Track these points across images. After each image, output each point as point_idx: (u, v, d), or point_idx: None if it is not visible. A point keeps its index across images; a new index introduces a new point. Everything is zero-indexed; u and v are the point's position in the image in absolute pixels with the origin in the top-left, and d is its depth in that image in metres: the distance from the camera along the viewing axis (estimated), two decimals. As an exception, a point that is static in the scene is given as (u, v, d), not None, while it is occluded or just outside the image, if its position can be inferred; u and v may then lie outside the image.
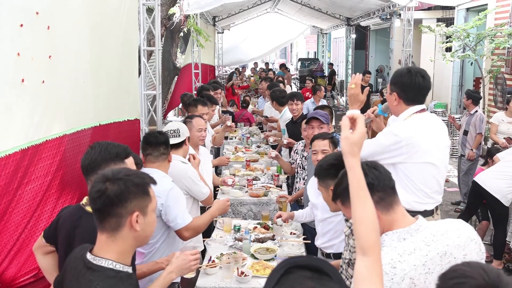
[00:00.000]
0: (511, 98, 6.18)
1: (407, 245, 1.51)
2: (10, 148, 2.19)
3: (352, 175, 1.39)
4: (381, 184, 1.58)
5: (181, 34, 9.16)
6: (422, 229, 1.55)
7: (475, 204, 4.82)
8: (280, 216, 3.32)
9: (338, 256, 2.76)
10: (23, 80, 2.28)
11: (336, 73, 18.43)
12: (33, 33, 2.37)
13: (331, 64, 18.84)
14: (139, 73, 4.92)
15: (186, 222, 2.56)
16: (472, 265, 1.12)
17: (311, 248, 3.28)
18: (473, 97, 6.15)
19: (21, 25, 2.25)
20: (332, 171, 2.23)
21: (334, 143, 3.14)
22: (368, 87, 8.96)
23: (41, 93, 2.47)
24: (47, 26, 2.51)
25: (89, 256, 1.52)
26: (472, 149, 5.92)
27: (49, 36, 2.53)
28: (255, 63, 19.18)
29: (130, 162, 2.08)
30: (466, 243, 1.56)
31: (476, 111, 6.01)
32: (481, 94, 7.53)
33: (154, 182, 1.61)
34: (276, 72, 15.15)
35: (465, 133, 6.03)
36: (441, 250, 1.50)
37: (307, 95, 8.64)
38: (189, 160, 3.29)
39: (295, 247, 3.24)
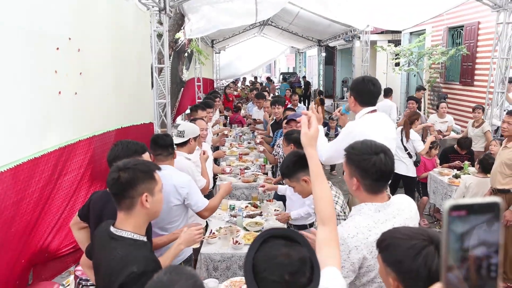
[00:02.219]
0: (440, 103, 6.27)
1: (381, 215, 1.54)
2: (51, 147, 2.19)
3: (312, 163, 1.36)
4: (379, 178, 1.52)
5: (186, 54, 9.09)
6: (392, 205, 1.59)
7: (394, 188, 4.84)
8: (263, 186, 3.32)
9: (298, 227, 2.89)
10: (60, 93, 2.29)
11: (311, 84, 18.51)
12: (67, 55, 2.37)
13: (304, 77, 19.00)
14: (152, 86, 4.91)
15: (206, 204, 2.49)
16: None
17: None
18: (419, 102, 6.27)
19: (57, 49, 2.26)
20: (297, 166, 2.19)
21: (287, 139, 3.07)
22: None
23: (74, 103, 2.47)
24: (78, 49, 2.51)
25: (112, 229, 1.50)
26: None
27: (79, 57, 2.53)
28: (244, 78, 19.09)
29: (146, 156, 2.07)
30: (415, 216, 1.63)
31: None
32: (422, 100, 7.64)
33: (159, 169, 1.59)
34: (263, 83, 15.16)
35: None
36: (402, 222, 1.55)
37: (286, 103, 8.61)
38: (200, 154, 3.23)
39: (278, 221, 3.27)
